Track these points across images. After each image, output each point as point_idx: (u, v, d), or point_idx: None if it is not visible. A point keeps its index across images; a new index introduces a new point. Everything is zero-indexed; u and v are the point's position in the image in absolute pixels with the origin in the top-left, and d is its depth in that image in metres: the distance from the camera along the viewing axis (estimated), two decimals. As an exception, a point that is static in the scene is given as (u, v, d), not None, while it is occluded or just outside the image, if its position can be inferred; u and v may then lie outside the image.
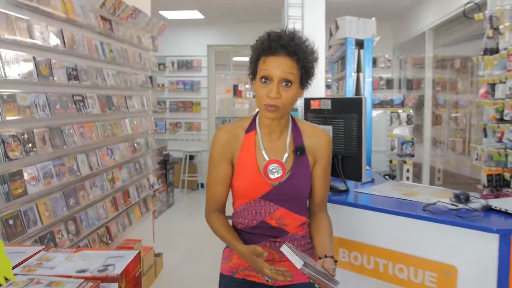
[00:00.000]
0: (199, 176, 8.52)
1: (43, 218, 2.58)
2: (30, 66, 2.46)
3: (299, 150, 1.58)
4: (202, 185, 8.62)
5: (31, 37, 2.48)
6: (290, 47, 1.46)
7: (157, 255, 4.59)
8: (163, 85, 8.79)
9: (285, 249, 1.38)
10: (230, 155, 1.62)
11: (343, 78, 4.08)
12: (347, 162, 2.22)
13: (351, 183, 2.48)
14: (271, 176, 1.56)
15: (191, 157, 8.47)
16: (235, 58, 9.73)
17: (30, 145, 2.47)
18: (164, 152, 7.34)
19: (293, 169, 1.58)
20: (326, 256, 1.43)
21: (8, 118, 2.25)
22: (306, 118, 2.41)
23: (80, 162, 3.05)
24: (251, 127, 1.63)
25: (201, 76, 8.65)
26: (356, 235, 2.23)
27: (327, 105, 2.24)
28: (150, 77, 4.60)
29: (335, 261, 1.41)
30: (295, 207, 1.60)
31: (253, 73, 1.56)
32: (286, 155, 1.58)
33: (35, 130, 2.53)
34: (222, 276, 1.72)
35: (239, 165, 1.60)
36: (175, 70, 8.74)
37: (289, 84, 1.48)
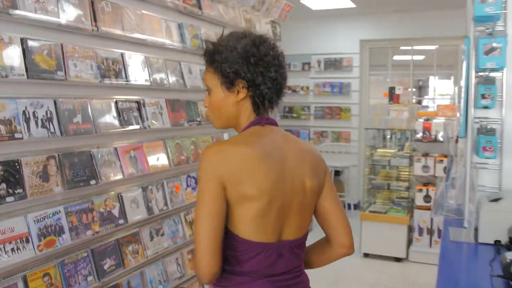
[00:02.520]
0: (347, 196, 7.18)
1: (36, 302, 1.58)
2: (11, 54, 1.47)
3: None
4: (349, 206, 7.26)
5: (15, 5, 1.49)
6: (204, 54, 1.32)
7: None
8: (307, 88, 7.64)
9: None
10: None
11: None
12: None
13: None
14: None
15: (337, 173, 7.16)
16: (396, 57, 8.12)
17: (9, 183, 1.48)
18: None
19: None
20: None
21: None
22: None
23: (128, 202, 2.00)
24: None
25: (352, 77, 7.28)
26: None
27: None
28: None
29: None
30: None
31: None
32: None
33: (23, 159, 1.54)
34: None
35: None
36: (321, 71, 7.50)
37: (209, 90, 1.33)
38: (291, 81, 7.39)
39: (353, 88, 7.36)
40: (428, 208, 4.86)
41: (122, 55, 1.96)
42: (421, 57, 9.51)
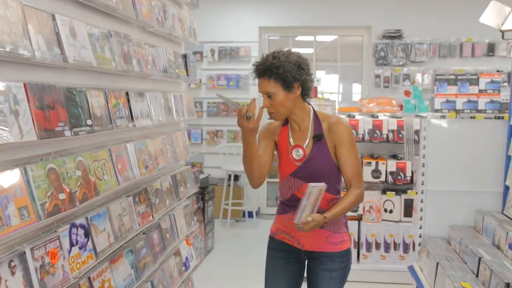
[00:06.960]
0: (246, 204, 6.36)
1: None
2: None
3: (316, 137, 1.96)
4: (250, 214, 6.43)
5: None
6: (264, 71, 1.89)
7: None
8: (199, 81, 6.64)
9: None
10: (273, 135, 2.07)
11: None
12: None
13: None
14: (295, 158, 1.98)
15: (236, 177, 6.32)
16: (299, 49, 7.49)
17: None
18: (202, 176, 5.19)
19: (312, 152, 1.97)
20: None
21: None
22: None
23: None
24: (285, 122, 2.04)
25: (250, 68, 6.44)
26: None
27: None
28: (185, 57, 2.40)
29: (324, 217, 1.84)
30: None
31: None
32: (307, 141, 1.98)
33: None
34: (269, 236, 2.11)
35: (279, 147, 2.05)
36: (215, 61, 6.55)
37: (271, 95, 1.89)
38: (179, 72, 6.34)
39: (251, 81, 6.49)
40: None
41: None
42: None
